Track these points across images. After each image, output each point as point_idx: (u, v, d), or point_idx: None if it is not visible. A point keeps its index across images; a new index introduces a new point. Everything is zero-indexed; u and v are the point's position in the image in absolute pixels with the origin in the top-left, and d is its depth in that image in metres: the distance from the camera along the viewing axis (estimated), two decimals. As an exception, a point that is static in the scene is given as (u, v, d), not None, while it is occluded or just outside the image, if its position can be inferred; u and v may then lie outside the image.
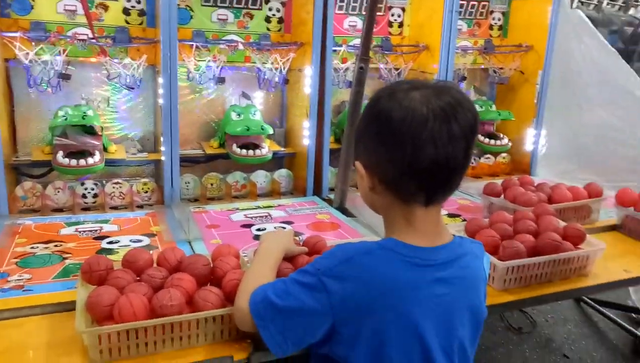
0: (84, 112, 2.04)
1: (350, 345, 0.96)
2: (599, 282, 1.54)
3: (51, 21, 2.05)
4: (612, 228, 1.91)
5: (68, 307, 1.27)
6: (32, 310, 1.26)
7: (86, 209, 2.10)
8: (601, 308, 2.80)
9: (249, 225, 1.90)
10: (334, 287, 0.94)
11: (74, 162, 1.98)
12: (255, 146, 2.30)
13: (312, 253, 1.36)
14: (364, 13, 2.52)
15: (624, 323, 2.68)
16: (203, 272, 1.27)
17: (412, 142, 0.89)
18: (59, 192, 2.07)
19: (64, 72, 2.04)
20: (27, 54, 1.94)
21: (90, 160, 2.00)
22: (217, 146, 2.36)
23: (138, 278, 1.24)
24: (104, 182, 2.16)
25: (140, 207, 2.16)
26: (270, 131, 2.30)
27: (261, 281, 1.09)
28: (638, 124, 2.26)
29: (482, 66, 2.82)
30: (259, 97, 2.49)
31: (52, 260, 1.53)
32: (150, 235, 1.78)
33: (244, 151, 2.27)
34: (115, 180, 2.15)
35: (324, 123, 2.30)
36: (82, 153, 2.02)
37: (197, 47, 2.19)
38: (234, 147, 2.27)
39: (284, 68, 2.28)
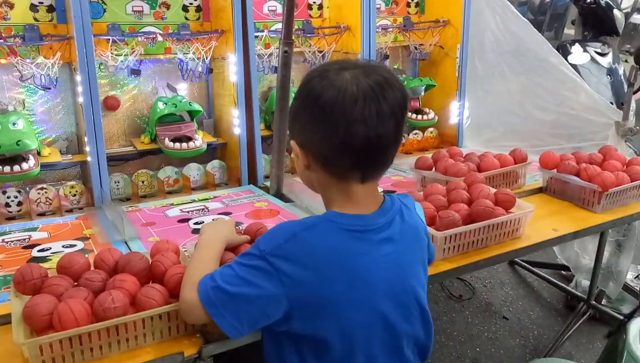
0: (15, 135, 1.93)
1: (311, 320, 0.97)
2: (531, 242, 1.62)
3: (-49, 22, 1.92)
4: (539, 190, 2.02)
5: (4, 320, 1.21)
6: (-36, 328, 1.19)
7: (11, 219, 1.99)
8: (534, 269, 2.95)
9: (186, 220, 1.87)
10: (283, 266, 0.94)
11: (7, 168, 1.87)
12: (189, 138, 2.25)
13: (253, 238, 1.35)
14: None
15: (555, 281, 2.83)
16: (143, 271, 1.24)
17: (344, 121, 0.91)
18: (-22, 203, 1.96)
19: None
20: None
21: (25, 166, 1.90)
22: (148, 141, 2.29)
23: (76, 283, 1.20)
24: (27, 188, 2.06)
25: (70, 211, 2.07)
26: (199, 108, 2.28)
27: (205, 272, 1.06)
28: (555, 89, 2.38)
29: (403, 44, 2.88)
30: (183, 89, 2.42)
31: (-21, 275, 1.45)
32: (84, 239, 1.71)
33: (177, 144, 2.21)
34: (40, 186, 2.05)
35: (252, 111, 2.28)
36: (14, 159, 1.92)
37: (113, 41, 2.11)
38: (167, 141, 2.21)
39: (206, 57, 2.23)
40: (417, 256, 1.08)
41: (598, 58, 3.50)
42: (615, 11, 3.58)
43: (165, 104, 2.25)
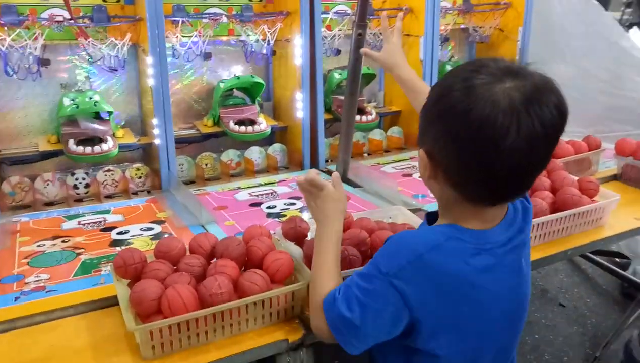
0: (91, 98, 1.97)
1: (430, 338, 0.93)
2: (615, 232, 1.58)
3: (22, 3, 1.92)
4: (613, 178, 1.97)
5: (101, 304, 1.23)
6: (65, 311, 1.20)
7: (79, 201, 2.01)
8: (589, 255, 2.90)
9: (258, 204, 1.86)
10: (407, 290, 0.89)
11: (88, 149, 1.89)
12: (251, 122, 2.24)
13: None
14: (345, -22, 2.47)
15: (612, 267, 2.77)
16: (241, 256, 1.23)
17: (492, 149, 0.80)
18: (48, 184, 1.97)
19: (42, 57, 1.92)
20: (4, 40, 1.81)
21: (104, 146, 1.91)
22: (211, 124, 2.28)
23: (175, 268, 1.20)
24: (91, 170, 2.07)
25: (135, 193, 2.08)
26: (261, 80, 2.26)
27: (328, 283, 1.02)
28: (622, 73, 2.30)
29: (462, 26, 2.81)
30: (237, 72, 2.37)
31: (65, 257, 1.46)
32: (159, 222, 1.71)
33: (242, 127, 2.20)
34: (107, 168, 2.06)
35: (316, 94, 2.25)
36: (92, 140, 1.93)
37: (181, 22, 2.09)
38: (231, 124, 2.20)
39: (271, 39, 2.21)
40: (529, 260, 1.02)
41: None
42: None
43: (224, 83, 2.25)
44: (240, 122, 2.22)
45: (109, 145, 1.95)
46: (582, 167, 1.96)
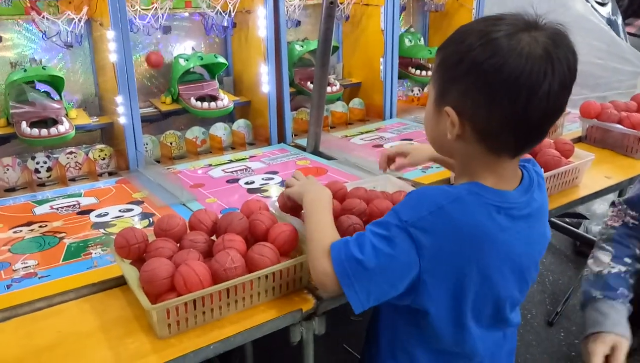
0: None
1: (432, 294, 0.94)
2: (591, 191, 1.66)
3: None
4: (578, 140, 2.06)
5: (102, 287, 1.18)
6: (65, 295, 1.14)
7: (41, 185, 1.90)
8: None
9: (235, 180, 1.83)
10: (425, 240, 0.89)
11: (44, 132, 1.78)
12: (212, 98, 2.18)
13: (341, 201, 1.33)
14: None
15: (566, 226, 2.92)
16: (245, 230, 1.20)
17: (527, 95, 0.83)
18: (8, 170, 1.85)
19: (-9, 33, 1.79)
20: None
21: (61, 128, 1.80)
22: (170, 102, 2.20)
23: (178, 245, 1.16)
24: (50, 153, 1.96)
25: (99, 175, 1.99)
26: (224, 61, 2.20)
27: (331, 237, 1.02)
28: (582, 39, 2.39)
29: (416, -4, 2.85)
30: (190, 46, 2.30)
31: (48, 242, 1.38)
32: (137, 202, 1.65)
33: (205, 104, 2.14)
34: (69, 150, 1.95)
35: (282, 67, 2.22)
36: (45, 121, 1.82)
37: (135, -6, 1.99)
38: (193, 100, 2.13)
39: (233, 10, 2.15)
40: (542, 230, 1.03)
41: (599, 8, 3.54)
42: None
43: (187, 60, 2.17)
44: (200, 98, 2.16)
45: (65, 127, 1.84)
46: (549, 130, 2.03)
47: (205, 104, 2.13)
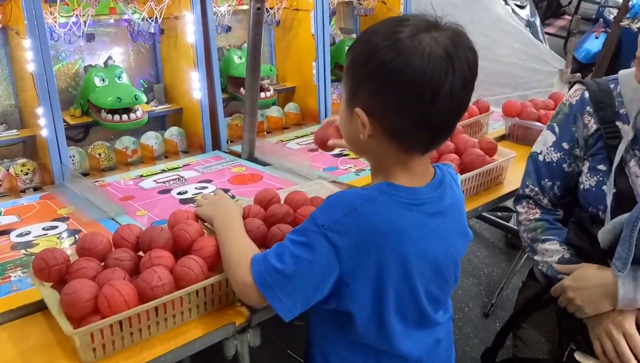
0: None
1: (355, 295, 0.95)
2: (514, 187, 1.70)
3: None
4: (502, 138, 2.13)
5: (20, 313, 1.12)
6: (-22, 325, 1.07)
7: (-44, 205, 1.79)
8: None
9: (167, 191, 1.78)
10: (341, 242, 0.91)
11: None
12: (125, 110, 2.05)
13: (266, 207, 1.32)
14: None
15: (497, 220, 3.01)
16: (167, 243, 1.17)
17: (431, 94, 0.85)
18: None
19: None
20: None
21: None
22: (79, 115, 2.08)
23: (102, 264, 1.11)
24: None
25: (23, 191, 1.90)
26: (144, 99, 2.09)
27: (248, 250, 1.04)
28: (503, 41, 2.48)
29: (345, 0, 2.86)
30: (117, 53, 2.23)
31: (-38, 267, 1.30)
32: (62, 219, 1.58)
33: (116, 117, 2.02)
34: (-14, 166, 1.85)
35: (213, 73, 2.18)
36: None
37: (63, 1, 1.91)
38: (103, 113, 2.02)
39: (159, 16, 2.10)
40: (459, 228, 1.07)
41: (518, 10, 3.69)
42: (531, -36, 3.76)
43: (103, 80, 2.04)
44: (112, 111, 2.03)
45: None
46: (475, 129, 2.10)
47: (117, 117, 2.02)
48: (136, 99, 2.02)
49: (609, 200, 1.25)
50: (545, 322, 1.41)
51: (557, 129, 1.41)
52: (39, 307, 1.13)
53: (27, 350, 1.02)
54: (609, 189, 1.26)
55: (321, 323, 1.08)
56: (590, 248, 1.30)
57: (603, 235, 1.22)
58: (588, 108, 1.34)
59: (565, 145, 1.38)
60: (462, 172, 1.60)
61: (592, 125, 1.33)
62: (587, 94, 1.35)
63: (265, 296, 0.95)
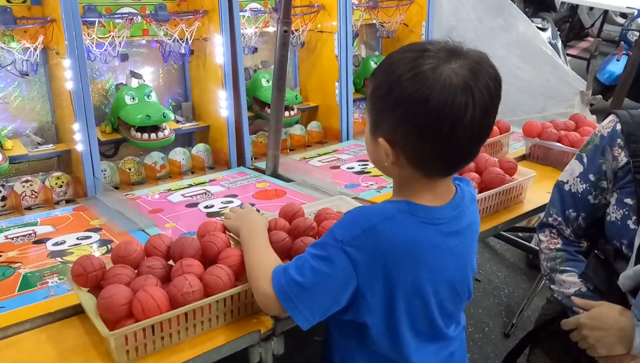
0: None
1: (371, 307, 0.99)
2: (534, 206, 1.74)
3: None
4: (522, 158, 2.16)
5: (58, 316, 1.18)
6: (21, 326, 1.14)
7: (-6, 215, 1.88)
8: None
9: (194, 204, 1.85)
10: (359, 256, 0.95)
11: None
12: (154, 128, 2.13)
13: (290, 220, 1.37)
14: (256, -24, 2.50)
15: (518, 240, 3.02)
16: (197, 253, 1.23)
17: (451, 125, 0.88)
18: (-39, 200, 1.83)
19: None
20: None
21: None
22: (110, 131, 2.17)
23: (136, 271, 1.17)
24: (5, 182, 1.94)
25: (57, 203, 1.98)
26: (172, 117, 2.18)
27: (270, 262, 1.09)
28: (533, 60, 2.50)
29: (369, 22, 2.93)
30: (148, 73, 2.33)
31: (3, 272, 1.38)
32: (95, 229, 1.65)
33: (145, 135, 2.11)
34: (24, 178, 1.94)
35: (239, 92, 2.26)
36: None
37: (91, 23, 2.01)
38: (132, 131, 2.11)
39: (190, 38, 2.18)
40: (473, 246, 1.10)
41: (540, 34, 3.73)
42: (553, -12, 3.81)
43: (133, 98, 2.12)
44: (141, 129, 2.11)
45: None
46: (495, 149, 2.13)
47: (146, 135, 2.11)
48: (164, 117, 2.10)
49: (637, 240, 1.22)
50: (558, 350, 1.42)
51: (585, 160, 1.38)
52: (75, 311, 1.19)
53: (64, 351, 1.08)
54: (637, 226, 1.24)
55: (339, 335, 1.12)
56: (606, 286, 1.30)
57: (624, 280, 1.22)
58: (619, 141, 1.30)
59: (591, 177, 1.36)
60: (482, 190, 1.64)
61: (623, 158, 1.30)
62: (619, 126, 1.31)
63: (285, 307, 1.00)
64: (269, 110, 2.31)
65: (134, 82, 2.20)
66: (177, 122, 2.34)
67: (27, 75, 1.94)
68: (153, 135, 2.12)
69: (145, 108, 2.10)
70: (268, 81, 2.44)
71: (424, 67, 0.89)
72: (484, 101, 0.89)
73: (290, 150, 2.57)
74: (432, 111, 0.88)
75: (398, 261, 0.96)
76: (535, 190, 1.83)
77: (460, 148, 0.93)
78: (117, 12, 2.13)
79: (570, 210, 1.40)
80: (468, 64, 0.90)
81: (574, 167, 1.41)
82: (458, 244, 1.03)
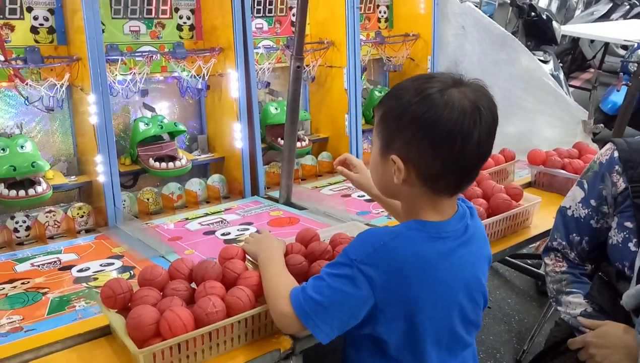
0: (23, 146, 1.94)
1: (390, 322, 1.05)
2: (540, 230, 1.80)
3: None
4: (528, 185, 2.22)
5: (87, 337, 1.24)
6: (52, 347, 1.20)
7: (20, 244, 1.95)
8: (507, 259, 3.16)
9: (211, 232, 1.91)
10: (373, 273, 1.01)
11: (21, 192, 1.85)
12: (170, 158, 2.25)
13: (307, 245, 1.43)
14: (268, 15, 2.62)
15: (527, 267, 3.05)
16: (218, 276, 1.29)
17: (462, 142, 0.97)
18: (-13, 230, 1.91)
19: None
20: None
21: (39, 189, 1.88)
22: (129, 163, 2.27)
23: (161, 293, 1.24)
24: (26, 213, 2.02)
25: (78, 233, 2.05)
26: (184, 128, 2.30)
27: (287, 284, 1.15)
28: (536, 92, 2.58)
29: (376, 57, 3.04)
30: (164, 108, 2.43)
31: (31, 297, 1.44)
32: (118, 257, 1.72)
33: (163, 164, 2.22)
34: (48, 209, 2.02)
35: (253, 124, 2.35)
36: (22, 183, 1.89)
37: (114, 60, 2.11)
38: (151, 161, 2.21)
39: (206, 74, 2.29)
40: (484, 253, 1.16)
41: (542, 66, 3.83)
42: (554, 23, 3.93)
43: (147, 124, 2.24)
44: (159, 159, 2.23)
45: (42, 188, 1.92)
46: (501, 177, 2.20)
47: (164, 164, 2.21)
48: (176, 126, 2.25)
49: (638, 262, 1.27)
50: None
51: (586, 186, 1.43)
52: (103, 332, 1.25)
53: (95, 369, 1.14)
54: (638, 249, 1.29)
55: (356, 353, 1.16)
56: (611, 306, 1.35)
57: (627, 299, 1.27)
58: (617, 167, 1.35)
59: (592, 202, 1.41)
60: (489, 216, 1.70)
61: (621, 184, 1.35)
62: (616, 154, 1.36)
63: (306, 325, 1.06)
64: (281, 141, 2.41)
65: (147, 113, 2.33)
66: (192, 152, 2.43)
67: (53, 110, 2.04)
68: (171, 164, 2.22)
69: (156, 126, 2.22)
70: (276, 108, 2.54)
71: (431, 90, 0.99)
72: (489, 121, 0.99)
73: (302, 179, 2.65)
74: (444, 130, 0.97)
75: (412, 275, 1.02)
76: (542, 215, 1.89)
77: (468, 165, 1.01)
78: (138, 50, 2.24)
79: (574, 234, 1.45)
80: (471, 89, 1.00)
81: (576, 193, 1.47)
82: (467, 253, 1.09)
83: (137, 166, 2.27)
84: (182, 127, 2.28)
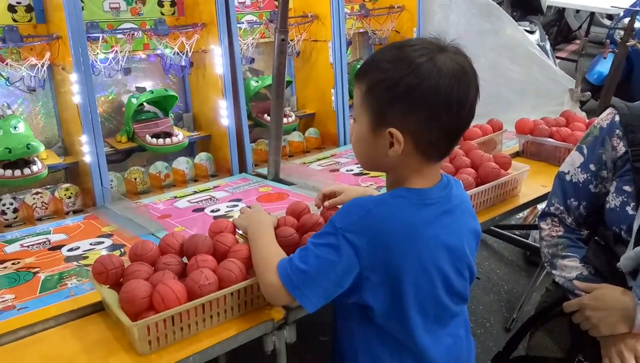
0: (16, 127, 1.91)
1: (375, 289, 1.05)
2: (528, 199, 1.81)
3: None
4: (516, 154, 2.23)
5: (80, 314, 1.24)
6: (45, 323, 1.20)
7: (8, 226, 1.93)
8: (495, 229, 3.19)
9: (200, 209, 1.91)
10: (358, 241, 1.02)
11: (17, 172, 1.84)
12: (167, 134, 2.25)
13: (298, 218, 1.43)
14: (251, -11, 2.58)
15: (515, 237, 3.09)
16: (209, 249, 1.29)
17: (458, 107, 0.98)
18: (-27, 214, 1.89)
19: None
20: None
21: (34, 168, 1.87)
22: (125, 141, 2.26)
23: (153, 268, 1.24)
24: (13, 195, 2.00)
25: (66, 214, 2.04)
26: (175, 94, 2.28)
27: (276, 255, 1.15)
28: (523, 62, 2.59)
29: (361, 30, 3.02)
30: (148, 86, 2.37)
31: (23, 277, 1.43)
32: (108, 235, 1.72)
33: (160, 140, 2.22)
34: (35, 190, 2.00)
35: (239, 101, 2.33)
36: (16, 163, 1.88)
37: (94, 39, 2.08)
38: (148, 137, 2.21)
39: (190, 51, 2.26)
40: (469, 226, 1.15)
41: (528, 36, 3.82)
42: (540, -8, 3.91)
43: (137, 98, 2.23)
44: (156, 135, 2.23)
45: (38, 167, 1.90)
46: (489, 147, 2.20)
47: (161, 140, 2.20)
48: (166, 91, 2.27)
49: (636, 225, 1.28)
50: (559, 330, 1.47)
51: (585, 151, 1.44)
52: (95, 308, 1.25)
53: (89, 344, 1.14)
54: (636, 212, 1.30)
55: (346, 323, 1.17)
56: (607, 269, 1.35)
57: (625, 261, 1.28)
58: (617, 131, 1.36)
59: (592, 167, 1.41)
60: (477, 185, 1.70)
61: (621, 148, 1.35)
62: (617, 118, 1.37)
63: (293, 295, 1.07)
64: (267, 117, 2.39)
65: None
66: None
67: (35, 90, 2.01)
68: (168, 140, 2.22)
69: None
70: (257, 82, 2.53)
71: (420, 59, 0.97)
72: (476, 83, 1.01)
73: (289, 156, 2.64)
74: (442, 97, 0.97)
75: (396, 242, 1.03)
76: (530, 184, 1.90)
77: (461, 129, 1.03)
78: (119, 27, 2.21)
79: (572, 199, 1.46)
80: (457, 54, 1.00)
81: (575, 158, 1.47)
82: (451, 222, 1.09)
83: (133, 143, 2.25)
84: (171, 92, 2.27)
